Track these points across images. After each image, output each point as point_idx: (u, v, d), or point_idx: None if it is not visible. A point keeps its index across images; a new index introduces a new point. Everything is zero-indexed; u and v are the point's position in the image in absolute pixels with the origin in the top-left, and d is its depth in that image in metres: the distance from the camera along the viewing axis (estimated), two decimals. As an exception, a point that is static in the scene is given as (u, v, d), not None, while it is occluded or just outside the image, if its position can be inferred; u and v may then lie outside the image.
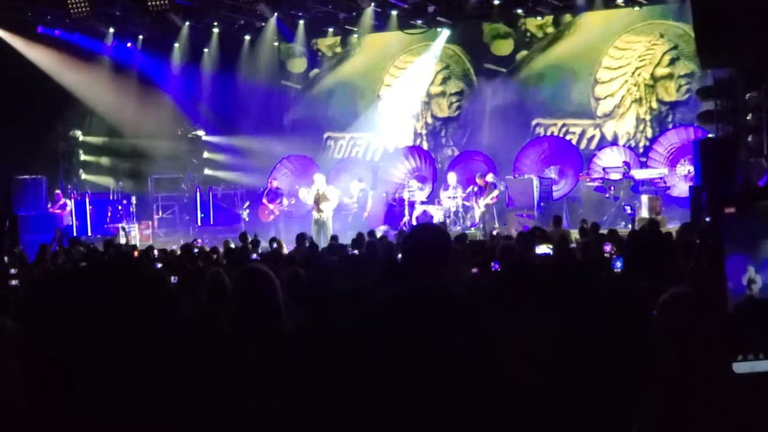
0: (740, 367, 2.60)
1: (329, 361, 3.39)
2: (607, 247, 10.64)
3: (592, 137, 24.12)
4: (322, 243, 16.98)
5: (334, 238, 15.74)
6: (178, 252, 14.75)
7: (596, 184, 21.83)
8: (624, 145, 23.24)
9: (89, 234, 23.84)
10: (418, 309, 3.43)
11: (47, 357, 1.74)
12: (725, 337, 2.64)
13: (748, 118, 19.18)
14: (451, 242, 3.99)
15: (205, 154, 27.58)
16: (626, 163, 21.62)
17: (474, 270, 8.51)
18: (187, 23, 24.74)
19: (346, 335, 3.56)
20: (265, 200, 23.13)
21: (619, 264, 8.47)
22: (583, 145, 23.95)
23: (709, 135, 20.02)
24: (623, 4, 22.62)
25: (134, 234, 24.13)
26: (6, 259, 14.85)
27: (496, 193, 21.05)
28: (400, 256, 5.65)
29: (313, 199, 20.89)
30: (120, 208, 25.14)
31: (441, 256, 3.88)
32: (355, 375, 3.14)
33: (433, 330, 3.33)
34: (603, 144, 23.68)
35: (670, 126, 23.05)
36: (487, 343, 3.17)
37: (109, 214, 24.99)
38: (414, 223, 21.44)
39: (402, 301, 3.53)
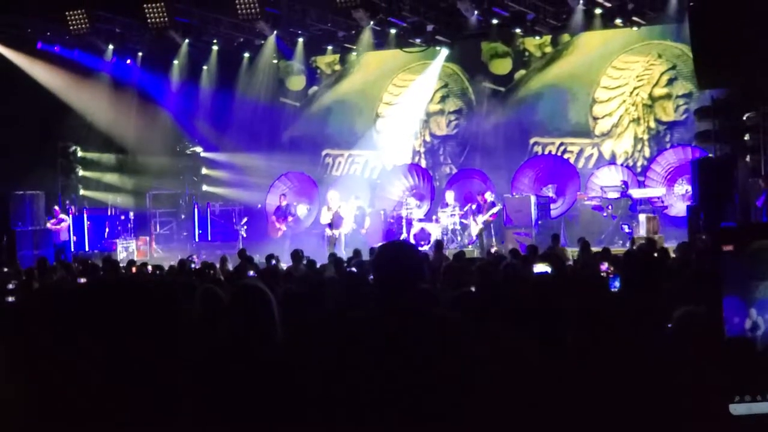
0: (738, 409, 2.55)
1: (316, 375, 3.38)
2: (604, 266, 10.64)
3: (590, 156, 24.15)
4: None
5: (332, 255, 15.76)
6: (177, 267, 14.75)
7: (594, 203, 21.85)
8: (622, 165, 23.26)
9: (87, 249, 23.83)
10: (390, 330, 3.43)
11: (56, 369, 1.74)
12: (723, 378, 2.60)
13: (746, 138, 19.22)
14: (421, 259, 3.95)
15: (204, 171, 27.60)
16: (624, 183, 21.64)
17: (472, 288, 8.50)
18: (187, 40, 24.76)
19: (330, 352, 3.56)
20: (273, 217, 23.27)
21: (617, 283, 8.45)
22: (581, 164, 23.97)
23: (707, 155, 20.05)
24: (621, 24, 22.67)
25: (132, 249, 24.16)
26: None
27: (495, 209, 21.06)
28: (371, 276, 5.61)
29: (329, 218, 21.27)
30: (118, 223, 25.15)
31: (412, 273, 3.84)
32: (336, 389, 3.14)
33: (406, 350, 3.33)
34: (601, 163, 23.70)
35: (668, 146, 23.07)
36: (459, 365, 3.17)
37: (107, 229, 24.99)
38: (412, 240, 21.47)
39: (375, 322, 3.53)
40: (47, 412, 1.82)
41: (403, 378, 3.21)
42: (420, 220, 22.41)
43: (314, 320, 5.57)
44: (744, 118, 19.16)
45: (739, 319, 2.54)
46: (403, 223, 22.11)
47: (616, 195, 21.30)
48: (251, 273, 12.78)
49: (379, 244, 20.18)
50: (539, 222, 21.15)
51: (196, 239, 25.35)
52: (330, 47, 25.98)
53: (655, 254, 13.25)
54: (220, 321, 4.89)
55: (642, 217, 20.26)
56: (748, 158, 19.26)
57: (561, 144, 24.44)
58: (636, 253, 11.54)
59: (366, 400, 3.21)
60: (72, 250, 23.12)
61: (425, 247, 20.52)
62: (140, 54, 26.29)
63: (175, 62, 26.16)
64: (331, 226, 21.39)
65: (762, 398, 2.55)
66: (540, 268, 9.90)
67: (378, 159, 26.58)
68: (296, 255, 14.71)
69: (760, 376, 2.56)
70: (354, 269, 12.65)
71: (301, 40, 25.38)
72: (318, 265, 13.77)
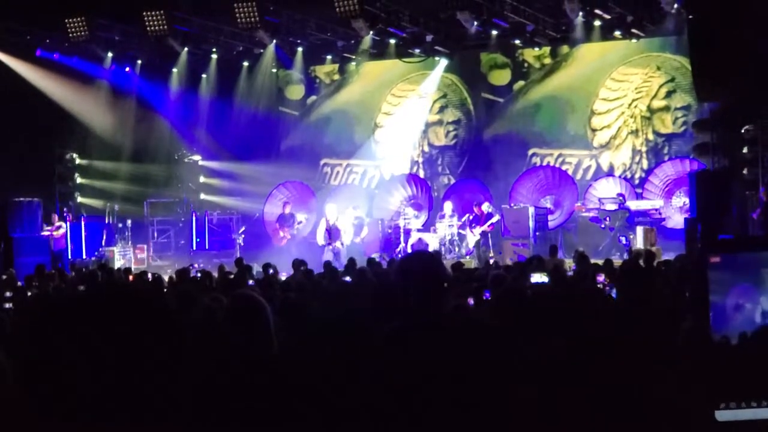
0: (723, 416, 2.55)
1: (322, 384, 3.37)
2: (601, 278, 10.65)
3: (588, 168, 24.16)
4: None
5: (326, 264, 15.76)
6: (175, 278, 14.73)
7: (592, 214, 21.85)
8: (620, 176, 23.28)
9: (84, 257, 23.79)
10: (425, 345, 3.43)
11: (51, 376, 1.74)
12: (708, 384, 2.60)
13: (744, 151, 19.25)
14: (446, 269, 3.93)
15: (202, 179, 27.57)
16: (622, 195, 21.65)
17: (470, 300, 8.50)
18: (186, 49, 24.79)
19: (345, 363, 3.55)
20: (276, 225, 23.30)
21: (612, 294, 8.47)
22: (579, 176, 23.98)
23: (705, 167, 20.07)
24: (620, 37, 22.71)
25: (129, 257, 24.13)
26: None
27: (493, 220, 21.05)
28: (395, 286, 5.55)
29: (324, 230, 21.27)
30: (115, 231, 25.12)
31: (437, 285, 3.82)
32: (357, 399, 3.12)
33: (440, 364, 3.32)
34: (599, 175, 23.72)
35: (666, 158, 23.10)
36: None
37: (105, 237, 24.95)
38: (409, 250, 21.46)
39: (408, 336, 3.53)
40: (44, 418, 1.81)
41: (437, 391, 3.20)
42: (418, 231, 22.41)
43: (313, 330, 5.57)
44: (742, 130, 19.20)
45: (751, 306, 2.57)
46: (401, 233, 22.09)
47: (613, 207, 21.30)
48: (250, 282, 12.79)
49: (375, 254, 20.19)
50: (537, 233, 21.15)
51: (194, 247, 25.32)
52: (329, 57, 26.03)
53: (655, 265, 13.29)
54: (217, 331, 4.89)
55: (639, 228, 20.27)
56: (745, 171, 19.29)
57: (559, 155, 24.46)
58: (631, 264, 11.56)
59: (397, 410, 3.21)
60: (69, 257, 23.08)
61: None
62: (139, 62, 26.30)
63: (174, 70, 26.17)
64: (329, 238, 21.35)
65: (747, 405, 2.55)
66: (537, 278, 9.91)
67: (376, 169, 26.60)
68: (297, 265, 14.73)
69: (745, 383, 2.57)
70: (349, 279, 12.66)
71: (300, 49, 25.40)
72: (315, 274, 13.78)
